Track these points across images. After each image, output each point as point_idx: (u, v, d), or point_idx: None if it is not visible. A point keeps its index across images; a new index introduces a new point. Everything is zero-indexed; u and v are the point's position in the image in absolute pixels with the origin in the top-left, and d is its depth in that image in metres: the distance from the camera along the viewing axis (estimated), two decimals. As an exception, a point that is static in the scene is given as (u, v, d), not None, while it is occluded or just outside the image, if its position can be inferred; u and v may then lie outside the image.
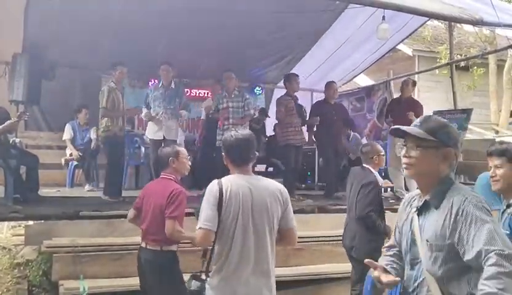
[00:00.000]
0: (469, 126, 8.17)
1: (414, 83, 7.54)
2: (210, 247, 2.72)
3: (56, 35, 7.02)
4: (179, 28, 7.07)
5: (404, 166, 2.09)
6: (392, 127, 2.24)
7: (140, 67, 8.46)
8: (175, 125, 6.72)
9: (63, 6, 6.34)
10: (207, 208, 2.65)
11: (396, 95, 8.70)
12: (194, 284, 2.86)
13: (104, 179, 6.56)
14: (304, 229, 5.35)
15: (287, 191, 2.81)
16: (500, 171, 2.82)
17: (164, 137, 6.52)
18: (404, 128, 2.09)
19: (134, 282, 4.27)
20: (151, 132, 6.71)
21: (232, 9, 6.57)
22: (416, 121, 2.08)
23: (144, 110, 6.73)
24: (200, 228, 2.64)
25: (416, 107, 7.19)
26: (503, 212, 2.81)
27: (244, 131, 2.86)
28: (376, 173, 4.11)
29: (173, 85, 6.72)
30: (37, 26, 6.77)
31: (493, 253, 1.73)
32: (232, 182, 2.70)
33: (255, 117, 8.84)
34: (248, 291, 2.63)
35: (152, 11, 6.49)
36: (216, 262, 2.69)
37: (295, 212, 5.63)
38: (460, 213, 1.87)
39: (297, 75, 7.25)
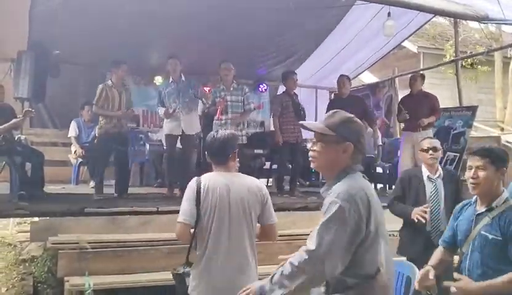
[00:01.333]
0: (475, 124, 8.14)
1: (423, 77, 7.46)
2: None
3: (61, 32, 7.02)
4: (184, 26, 7.04)
5: (310, 159, 2.19)
6: (299, 122, 2.43)
7: (145, 65, 8.47)
8: (193, 119, 6.53)
9: (68, 3, 6.34)
10: (185, 204, 2.86)
11: (400, 92, 8.68)
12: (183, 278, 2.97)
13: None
14: (309, 226, 5.33)
15: (265, 188, 2.94)
16: (482, 173, 2.65)
17: (182, 132, 6.35)
18: (307, 123, 2.28)
19: (139, 278, 4.30)
20: (168, 128, 6.50)
21: (239, 7, 6.53)
22: (323, 116, 2.20)
23: (161, 109, 6.51)
24: (178, 222, 2.83)
25: (431, 101, 7.14)
26: (479, 215, 2.70)
27: (225, 132, 3.02)
28: (423, 168, 4.09)
29: (183, 78, 6.53)
30: (42, 23, 6.77)
31: (304, 247, 2.02)
32: (210, 178, 2.90)
33: (261, 121, 8.87)
34: (222, 283, 2.76)
35: (157, 9, 6.47)
36: (197, 255, 2.85)
37: (299, 209, 5.63)
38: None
39: (294, 73, 7.22)
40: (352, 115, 2.17)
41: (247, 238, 2.84)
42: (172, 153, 6.54)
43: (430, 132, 7.14)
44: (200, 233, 2.84)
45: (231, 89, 6.43)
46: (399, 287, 3.74)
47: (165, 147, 7.13)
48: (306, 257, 1.99)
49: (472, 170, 2.70)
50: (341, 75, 7.33)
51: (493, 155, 2.69)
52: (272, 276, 2.05)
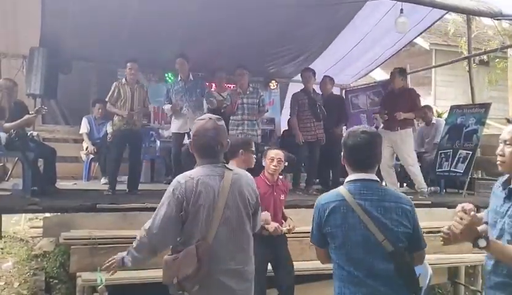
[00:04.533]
0: (487, 121, 8.06)
1: (402, 72, 7.03)
2: None
3: (73, 29, 7.05)
4: (196, 22, 7.03)
5: None
6: None
7: (156, 62, 8.47)
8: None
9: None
10: None
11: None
12: None
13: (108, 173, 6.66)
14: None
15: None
16: None
17: (190, 130, 6.48)
18: None
19: (151, 274, 4.31)
20: (175, 126, 6.76)
21: (250, 3, 6.48)
22: None
23: (167, 106, 6.83)
24: None
25: (410, 97, 6.86)
26: None
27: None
28: None
29: (191, 77, 6.75)
30: (54, 20, 6.81)
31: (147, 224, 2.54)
32: None
33: (271, 118, 8.91)
34: None
35: (170, 5, 6.47)
36: None
37: (311, 207, 5.64)
38: None
39: (311, 70, 7.20)
40: (199, 118, 2.70)
41: None
42: (177, 151, 6.70)
43: (410, 131, 6.88)
44: None
45: (247, 92, 6.68)
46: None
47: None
48: (144, 233, 2.50)
49: None
50: (325, 76, 7.69)
51: None
52: (129, 249, 2.60)
